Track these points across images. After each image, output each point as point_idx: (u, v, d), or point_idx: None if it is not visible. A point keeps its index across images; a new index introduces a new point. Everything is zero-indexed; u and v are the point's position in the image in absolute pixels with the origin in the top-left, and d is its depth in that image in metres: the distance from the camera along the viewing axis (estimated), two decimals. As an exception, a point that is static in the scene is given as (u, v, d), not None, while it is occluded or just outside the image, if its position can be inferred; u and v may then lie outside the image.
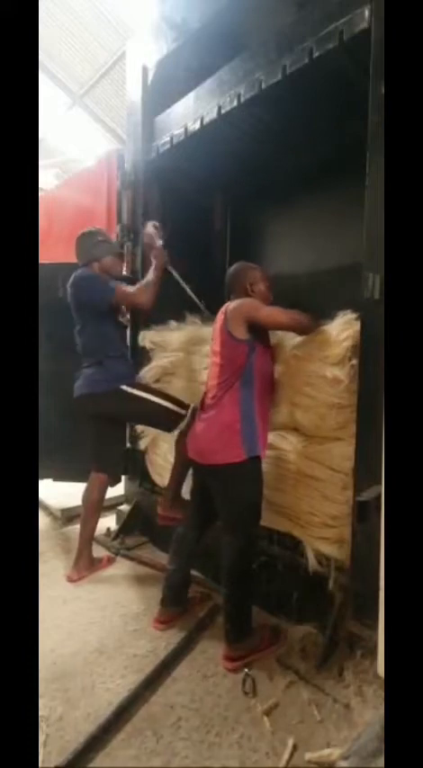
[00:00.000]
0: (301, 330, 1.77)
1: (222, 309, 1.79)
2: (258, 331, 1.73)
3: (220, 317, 1.78)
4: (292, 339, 1.86)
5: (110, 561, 2.43)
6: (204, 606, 1.99)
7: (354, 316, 1.72)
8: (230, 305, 1.75)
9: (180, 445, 2.13)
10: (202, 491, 1.86)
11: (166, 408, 2.21)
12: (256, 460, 1.69)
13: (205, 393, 1.84)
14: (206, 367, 2.08)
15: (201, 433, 1.76)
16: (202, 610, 1.96)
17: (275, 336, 1.90)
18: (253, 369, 1.71)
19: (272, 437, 1.94)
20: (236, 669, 1.62)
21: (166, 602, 1.91)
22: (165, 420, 2.23)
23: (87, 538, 2.35)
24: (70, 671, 1.64)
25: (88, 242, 2.35)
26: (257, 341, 1.73)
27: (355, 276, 1.59)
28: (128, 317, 2.54)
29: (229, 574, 1.70)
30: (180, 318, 2.51)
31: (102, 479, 2.38)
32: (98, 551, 2.46)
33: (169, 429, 2.24)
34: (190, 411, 2.17)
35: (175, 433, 2.20)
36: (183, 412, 2.20)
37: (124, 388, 2.21)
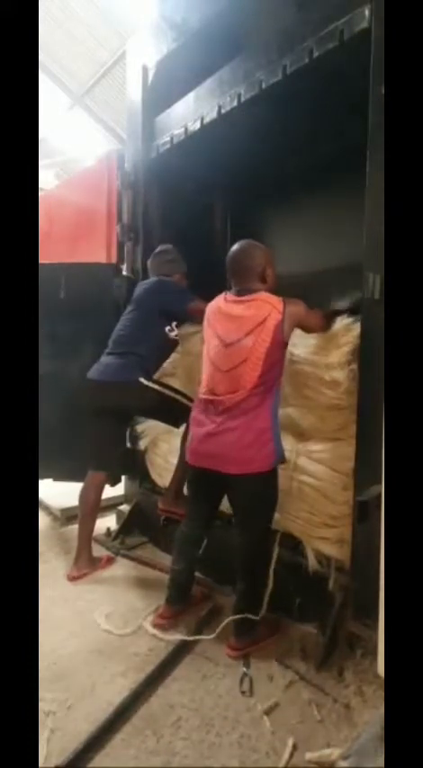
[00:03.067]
0: (324, 332, 1.78)
1: (271, 304, 1.63)
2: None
3: (273, 315, 1.61)
4: (290, 341, 1.85)
5: (110, 561, 2.42)
6: (204, 605, 1.98)
7: (352, 319, 1.72)
8: (288, 306, 1.63)
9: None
10: (205, 496, 1.84)
11: (179, 402, 2.23)
12: (278, 466, 1.71)
13: (221, 396, 1.66)
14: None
15: (221, 441, 1.62)
16: (202, 608, 1.96)
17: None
18: (280, 371, 1.69)
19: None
20: (238, 657, 1.68)
21: (170, 600, 1.91)
22: (175, 414, 2.24)
23: (86, 537, 2.35)
24: (70, 671, 1.64)
25: (160, 259, 2.44)
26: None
27: (356, 276, 1.59)
28: (176, 331, 2.45)
29: (244, 570, 1.71)
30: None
31: (99, 478, 2.37)
32: (98, 551, 2.46)
33: (177, 424, 2.26)
34: None
35: (182, 428, 2.20)
36: (192, 406, 2.21)
37: (142, 380, 2.22)
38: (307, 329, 1.75)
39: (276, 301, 1.64)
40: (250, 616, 1.69)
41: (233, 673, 1.62)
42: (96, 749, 1.32)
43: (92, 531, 2.38)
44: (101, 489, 2.39)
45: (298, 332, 1.85)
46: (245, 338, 1.62)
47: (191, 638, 1.77)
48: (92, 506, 2.36)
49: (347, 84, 1.81)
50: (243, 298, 1.69)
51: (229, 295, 1.75)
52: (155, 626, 1.85)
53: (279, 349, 1.64)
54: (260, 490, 1.67)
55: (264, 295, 1.67)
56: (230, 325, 1.67)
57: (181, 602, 1.92)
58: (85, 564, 2.30)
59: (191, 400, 2.23)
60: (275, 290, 1.75)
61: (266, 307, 1.63)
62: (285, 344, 1.67)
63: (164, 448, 2.56)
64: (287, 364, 1.83)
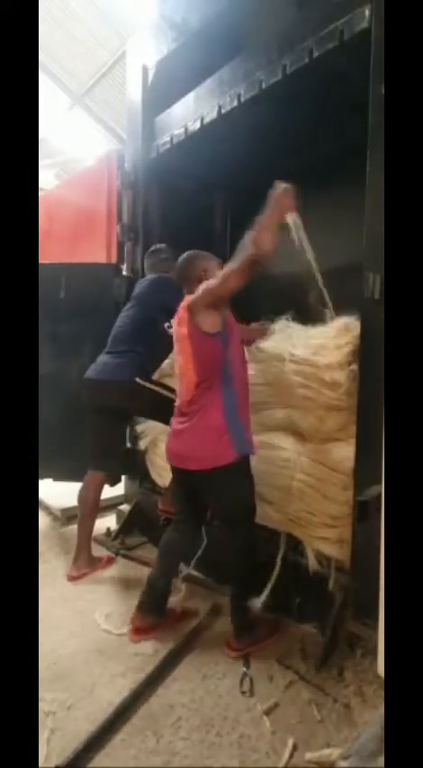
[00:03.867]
0: (263, 259, 1.54)
1: (182, 306, 1.71)
2: (227, 323, 1.65)
3: (181, 314, 1.70)
4: (288, 342, 1.85)
5: (110, 561, 2.42)
6: (185, 622, 1.88)
7: (353, 319, 1.72)
8: (189, 298, 1.67)
9: None
10: (186, 494, 1.84)
11: (175, 402, 2.23)
12: (245, 459, 1.68)
13: (180, 399, 1.77)
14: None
15: (182, 440, 1.70)
16: (183, 626, 1.85)
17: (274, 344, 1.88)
18: (230, 364, 1.65)
19: (271, 437, 1.94)
20: (237, 657, 1.68)
21: (143, 606, 1.81)
22: (171, 414, 2.24)
23: (86, 536, 2.35)
24: (70, 671, 1.64)
25: (155, 258, 2.47)
26: (228, 333, 1.66)
27: (356, 276, 1.59)
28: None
29: (233, 572, 1.73)
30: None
31: (98, 478, 2.37)
32: (98, 551, 2.46)
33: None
34: None
35: None
36: None
37: (138, 380, 2.22)
38: (229, 290, 1.55)
39: (183, 302, 1.70)
40: (235, 622, 1.71)
41: (233, 673, 1.62)
42: (96, 749, 1.32)
43: (91, 531, 2.38)
44: (100, 489, 2.39)
45: (297, 332, 1.86)
46: (182, 340, 1.70)
47: (190, 639, 1.77)
48: (91, 506, 2.36)
49: (347, 85, 1.81)
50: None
51: None
52: (130, 640, 1.79)
53: (204, 345, 1.62)
54: (224, 485, 1.67)
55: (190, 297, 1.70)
56: (176, 330, 1.76)
57: (155, 613, 1.82)
58: (84, 564, 2.30)
59: None
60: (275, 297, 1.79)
61: (182, 307, 1.71)
62: (217, 336, 1.61)
63: (164, 448, 2.55)
64: (285, 362, 1.83)
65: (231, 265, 1.56)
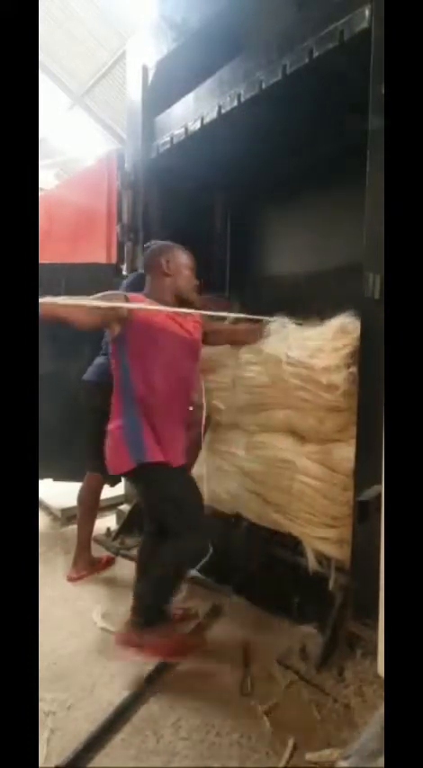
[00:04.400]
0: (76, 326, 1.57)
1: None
2: (140, 323, 1.59)
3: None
4: (285, 344, 1.85)
5: (109, 562, 2.42)
6: (186, 624, 1.86)
7: (351, 320, 1.71)
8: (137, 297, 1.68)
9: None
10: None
11: None
12: (149, 467, 1.58)
13: None
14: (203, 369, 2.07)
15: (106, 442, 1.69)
16: (183, 628, 1.83)
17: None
18: (129, 369, 1.61)
19: (270, 437, 1.94)
20: (122, 648, 1.60)
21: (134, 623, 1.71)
22: None
23: (85, 538, 2.35)
24: (70, 671, 1.64)
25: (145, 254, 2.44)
26: (133, 333, 1.59)
27: (356, 276, 1.59)
28: None
29: (149, 577, 1.66)
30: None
31: (97, 479, 2.36)
32: (98, 551, 2.46)
33: None
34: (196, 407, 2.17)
35: None
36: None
37: None
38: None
39: None
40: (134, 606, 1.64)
41: (233, 673, 1.62)
42: (96, 749, 1.32)
43: (91, 532, 2.38)
44: (99, 490, 2.39)
45: (293, 332, 1.85)
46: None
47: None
48: (90, 508, 2.36)
49: (347, 84, 1.81)
50: None
51: None
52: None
53: (113, 347, 1.65)
54: (137, 491, 1.69)
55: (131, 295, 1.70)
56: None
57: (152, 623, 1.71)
58: (83, 565, 2.30)
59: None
60: (275, 299, 1.78)
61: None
62: (114, 341, 1.63)
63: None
64: (281, 364, 1.82)
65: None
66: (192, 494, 1.71)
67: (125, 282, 2.37)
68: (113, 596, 2.13)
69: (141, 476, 1.63)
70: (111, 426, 1.66)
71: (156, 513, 1.73)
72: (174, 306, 1.70)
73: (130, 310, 1.57)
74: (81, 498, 2.36)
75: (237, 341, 2.01)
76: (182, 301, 1.75)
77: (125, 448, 1.59)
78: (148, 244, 2.42)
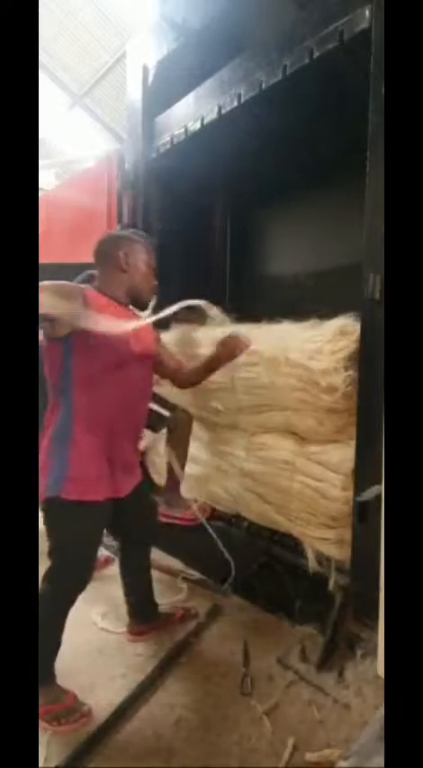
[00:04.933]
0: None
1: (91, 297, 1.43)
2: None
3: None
4: (283, 345, 1.84)
5: (108, 561, 2.42)
6: (185, 624, 1.85)
7: (350, 322, 1.71)
8: (92, 294, 1.43)
9: (171, 444, 2.12)
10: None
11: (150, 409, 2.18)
12: (59, 502, 1.34)
13: None
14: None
15: None
16: (183, 628, 1.83)
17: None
18: (71, 376, 1.37)
19: (270, 438, 1.95)
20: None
21: (131, 613, 1.78)
22: (152, 420, 2.20)
23: None
24: (70, 671, 1.64)
25: None
26: (84, 335, 1.32)
27: (356, 276, 1.59)
28: None
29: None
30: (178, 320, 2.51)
31: None
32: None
33: (155, 429, 2.20)
34: (177, 411, 2.16)
35: (164, 432, 2.17)
36: (165, 413, 2.16)
37: None
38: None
39: None
40: None
41: (233, 673, 1.62)
42: (96, 749, 1.32)
43: None
44: None
45: (295, 333, 1.85)
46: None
47: (190, 640, 1.76)
48: None
49: (347, 85, 1.81)
50: None
51: None
52: (127, 640, 1.77)
53: (48, 355, 1.38)
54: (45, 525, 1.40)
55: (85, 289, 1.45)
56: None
57: (146, 620, 1.79)
58: None
59: (173, 408, 2.19)
60: (275, 299, 1.76)
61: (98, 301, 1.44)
62: (61, 341, 1.36)
63: (163, 448, 2.55)
64: (280, 365, 1.81)
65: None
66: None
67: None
68: (113, 596, 2.13)
69: (47, 508, 1.38)
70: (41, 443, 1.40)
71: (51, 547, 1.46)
72: (127, 306, 1.53)
73: (87, 308, 1.33)
74: None
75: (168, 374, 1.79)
76: (136, 303, 1.57)
77: (46, 472, 1.36)
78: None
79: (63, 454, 1.37)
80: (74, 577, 1.47)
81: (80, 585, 1.48)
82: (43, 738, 1.35)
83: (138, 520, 1.65)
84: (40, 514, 1.32)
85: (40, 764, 1.27)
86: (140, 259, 1.54)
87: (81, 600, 2.07)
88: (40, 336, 1.33)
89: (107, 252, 1.53)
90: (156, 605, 1.83)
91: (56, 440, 1.38)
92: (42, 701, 1.37)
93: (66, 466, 1.36)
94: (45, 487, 1.35)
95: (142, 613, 1.80)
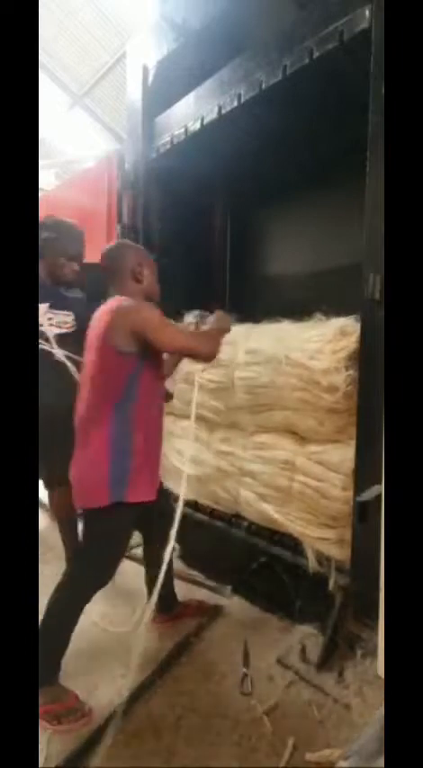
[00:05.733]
0: (203, 357, 1.50)
1: (104, 309, 1.45)
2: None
3: (102, 317, 1.42)
4: (283, 344, 1.84)
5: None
6: (201, 614, 1.91)
7: (351, 322, 1.71)
8: (120, 306, 1.41)
9: None
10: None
11: None
12: (122, 508, 1.41)
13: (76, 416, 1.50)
14: (204, 369, 2.05)
15: (73, 467, 1.47)
16: (198, 618, 1.89)
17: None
18: (137, 389, 1.41)
19: (270, 438, 1.94)
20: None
21: (157, 605, 1.73)
22: None
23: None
24: (70, 671, 1.64)
25: None
26: (148, 352, 1.41)
27: (356, 276, 1.59)
28: None
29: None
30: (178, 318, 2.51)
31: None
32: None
33: None
34: None
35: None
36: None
37: None
38: (155, 344, 1.40)
39: (115, 302, 1.43)
40: None
41: (233, 673, 1.62)
42: (96, 749, 1.32)
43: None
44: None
45: (295, 333, 1.85)
46: (88, 350, 1.48)
47: (191, 640, 1.77)
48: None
49: (347, 84, 1.81)
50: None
51: None
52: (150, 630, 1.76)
53: (109, 360, 1.39)
54: (90, 529, 1.48)
55: (117, 298, 1.47)
56: (90, 334, 1.49)
57: (165, 610, 1.84)
58: None
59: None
60: (275, 300, 1.75)
61: (105, 310, 1.44)
62: (133, 355, 1.39)
63: (163, 448, 2.55)
64: (279, 365, 1.81)
65: (199, 339, 1.50)
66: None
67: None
68: (113, 596, 2.13)
69: (107, 513, 1.42)
70: (87, 450, 1.42)
71: (88, 553, 1.55)
72: None
73: None
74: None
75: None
76: None
77: (107, 480, 1.39)
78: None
79: (125, 463, 1.42)
80: (106, 575, 1.52)
81: (106, 582, 1.53)
82: (43, 738, 1.36)
83: (161, 513, 1.68)
84: (87, 519, 1.47)
85: (41, 764, 1.27)
86: (151, 269, 1.60)
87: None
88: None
89: (121, 264, 1.55)
90: (175, 596, 1.89)
91: (116, 450, 1.41)
92: (44, 700, 1.40)
93: (127, 473, 1.42)
94: (107, 494, 1.39)
95: (166, 603, 1.83)
